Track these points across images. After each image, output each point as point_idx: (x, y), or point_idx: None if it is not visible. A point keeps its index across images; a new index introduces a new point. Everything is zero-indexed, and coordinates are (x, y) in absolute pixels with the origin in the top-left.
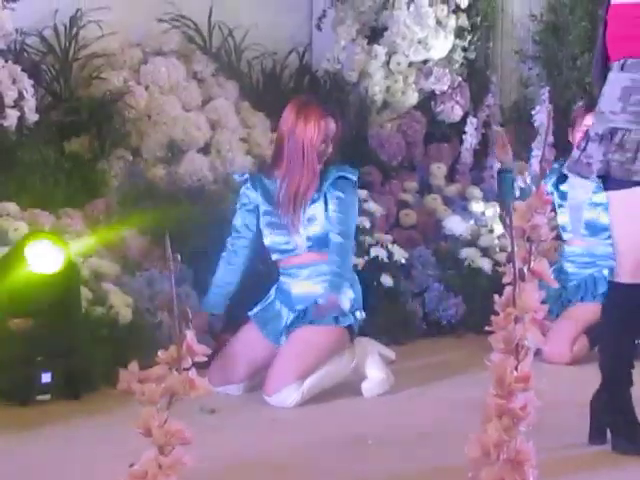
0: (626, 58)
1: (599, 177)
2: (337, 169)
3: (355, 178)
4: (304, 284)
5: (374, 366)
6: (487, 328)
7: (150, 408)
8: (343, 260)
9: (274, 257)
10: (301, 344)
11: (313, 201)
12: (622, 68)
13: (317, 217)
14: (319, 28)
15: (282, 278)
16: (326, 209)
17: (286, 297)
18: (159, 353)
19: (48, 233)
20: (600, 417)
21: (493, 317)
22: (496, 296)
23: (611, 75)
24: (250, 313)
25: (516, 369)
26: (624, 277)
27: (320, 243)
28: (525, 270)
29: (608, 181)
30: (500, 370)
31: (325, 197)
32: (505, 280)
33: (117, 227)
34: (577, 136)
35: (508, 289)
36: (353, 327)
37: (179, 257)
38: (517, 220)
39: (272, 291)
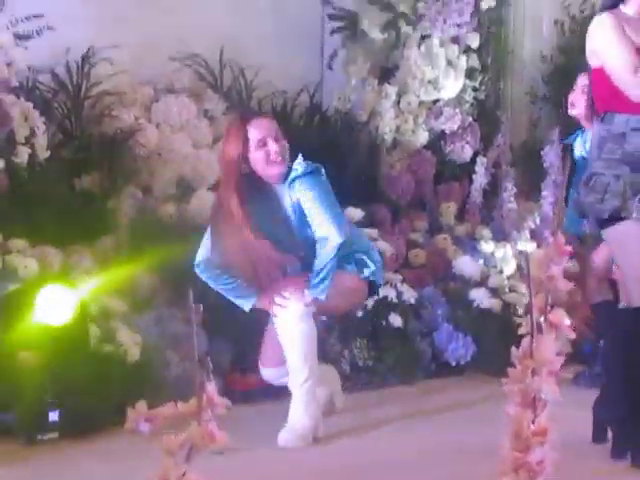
0: (605, 112)
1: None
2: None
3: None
4: None
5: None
6: (503, 382)
7: (169, 459)
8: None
9: None
10: None
11: None
12: (602, 120)
13: None
14: (330, 67)
15: None
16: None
17: None
18: (178, 405)
19: (59, 274)
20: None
21: (509, 369)
22: (513, 348)
23: (594, 125)
24: None
25: (533, 423)
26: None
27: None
28: (542, 321)
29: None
30: (517, 423)
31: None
32: (522, 331)
33: (127, 265)
34: None
35: (525, 341)
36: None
37: (201, 308)
38: (534, 271)
39: None
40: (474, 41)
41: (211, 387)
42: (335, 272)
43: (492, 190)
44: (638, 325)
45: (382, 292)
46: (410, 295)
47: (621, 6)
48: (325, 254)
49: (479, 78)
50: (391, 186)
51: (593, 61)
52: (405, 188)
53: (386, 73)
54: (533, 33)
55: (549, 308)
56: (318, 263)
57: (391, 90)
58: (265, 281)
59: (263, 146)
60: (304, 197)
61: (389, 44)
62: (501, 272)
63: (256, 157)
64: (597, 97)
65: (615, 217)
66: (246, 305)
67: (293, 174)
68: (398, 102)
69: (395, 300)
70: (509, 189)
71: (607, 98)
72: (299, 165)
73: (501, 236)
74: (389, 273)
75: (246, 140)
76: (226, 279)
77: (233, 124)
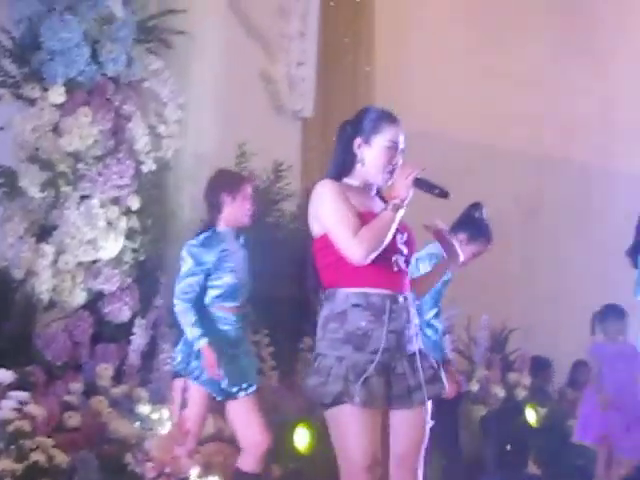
0: (329, 288)
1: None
2: None
3: None
4: None
5: None
6: None
7: None
8: None
9: None
10: None
11: None
12: (326, 297)
13: None
14: None
15: None
16: None
17: None
18: None
19: None
20: None
21: None
22: None
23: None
24: None
25: None
26: None
27: None
28: None
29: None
30: None
31: None
32: None
33: None
34: None
35: None
36: None
37: None
38: (157, 452)
39: None
40: (135, 203)
41: None
42: None
43: (150, 351)
44: None
45: (33, 457)
46: (62, 459)
47: (345, 179)
48: None
49: (139, 239)
50: (46, 346)
51: (316, 229)
52: (61, 348)
53: (44, 232)
54: (192, 196)
55: None
56: None
57: (48, 249)
58: None
59: None
60: None
61: (48, 203)
62: (157, 435)
63: None
64: (321, 270)
65: (337, 401)
66: None
67: None
68: (56, 261)
69: (46, 465)
70: (167, 351)
71: (330, 270)
72: None
73: (158, 398)
74: (40, 437)
75: None
76: None
77: None
